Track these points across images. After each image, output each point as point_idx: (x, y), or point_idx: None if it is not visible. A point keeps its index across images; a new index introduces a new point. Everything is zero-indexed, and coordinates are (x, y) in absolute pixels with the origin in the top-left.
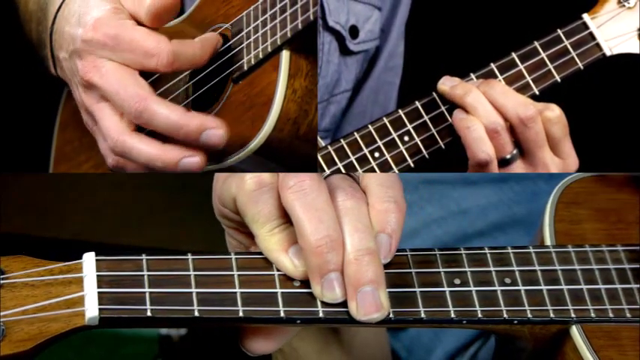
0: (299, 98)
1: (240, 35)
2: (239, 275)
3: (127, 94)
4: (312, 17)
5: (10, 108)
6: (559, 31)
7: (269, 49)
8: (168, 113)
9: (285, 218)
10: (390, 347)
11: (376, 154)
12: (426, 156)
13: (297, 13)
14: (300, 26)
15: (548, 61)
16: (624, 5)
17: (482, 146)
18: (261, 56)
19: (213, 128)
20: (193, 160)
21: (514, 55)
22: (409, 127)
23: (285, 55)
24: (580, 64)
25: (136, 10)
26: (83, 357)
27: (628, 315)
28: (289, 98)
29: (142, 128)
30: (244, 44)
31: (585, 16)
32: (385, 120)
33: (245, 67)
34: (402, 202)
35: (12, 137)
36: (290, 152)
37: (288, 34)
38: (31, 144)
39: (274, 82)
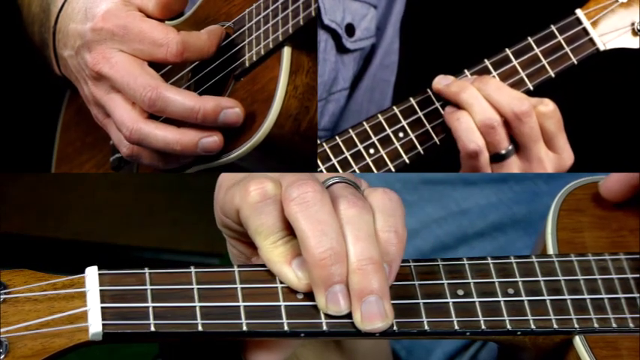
0: (300, 95)
1: (242, 32)
2: (242, 288)
3: (137, 83)
4: (313, 13)
5: (13, 109)
6: (552, 27)
7: (271, 46)
8: (182, 99)
9: (289, 230)
10: (391, 350)
11: (371, 151)
12: (421, 152)
13: (299, 10)
14: (301, 22)
15: (542, 57)
16: (617, 0)
17: (471, 136)
18: (262, 53)
19: (229, 107)
20: (211, 139)
21: (508, 51)
22: (404, 123)
23: (286, 51)
24: (574, 60)
25: (144, 2)
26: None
27: (631, 325)
28: (290, 94)
29: (154, 116)
30: (246, 41)
31: (579, 12)
32: (380, 117)
33: (247, 64)
34: (403, 230)
35: (15, 138)
36: (291, 149)
37: (290, 31)
38: (33, 145)
39: (276, 78)
